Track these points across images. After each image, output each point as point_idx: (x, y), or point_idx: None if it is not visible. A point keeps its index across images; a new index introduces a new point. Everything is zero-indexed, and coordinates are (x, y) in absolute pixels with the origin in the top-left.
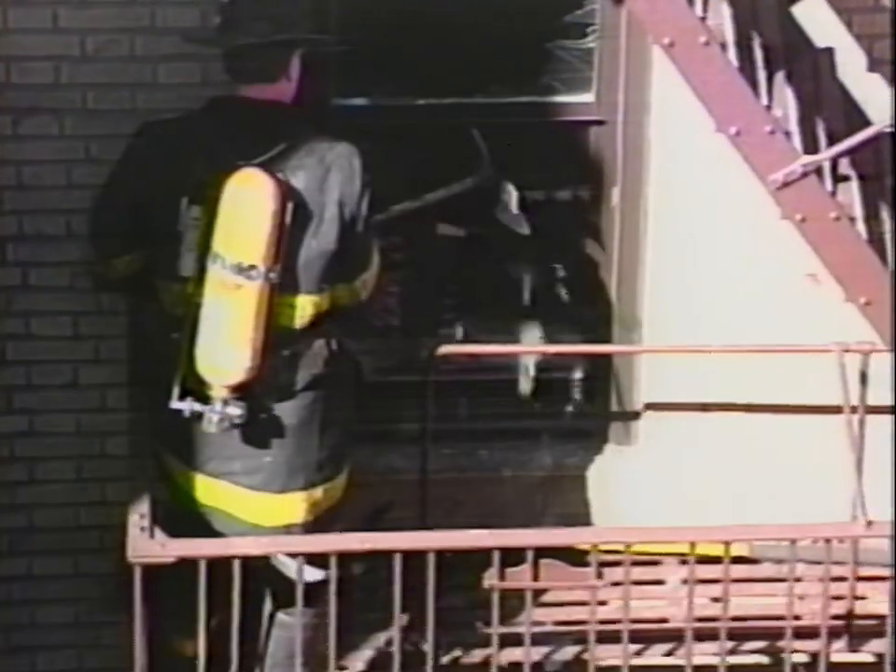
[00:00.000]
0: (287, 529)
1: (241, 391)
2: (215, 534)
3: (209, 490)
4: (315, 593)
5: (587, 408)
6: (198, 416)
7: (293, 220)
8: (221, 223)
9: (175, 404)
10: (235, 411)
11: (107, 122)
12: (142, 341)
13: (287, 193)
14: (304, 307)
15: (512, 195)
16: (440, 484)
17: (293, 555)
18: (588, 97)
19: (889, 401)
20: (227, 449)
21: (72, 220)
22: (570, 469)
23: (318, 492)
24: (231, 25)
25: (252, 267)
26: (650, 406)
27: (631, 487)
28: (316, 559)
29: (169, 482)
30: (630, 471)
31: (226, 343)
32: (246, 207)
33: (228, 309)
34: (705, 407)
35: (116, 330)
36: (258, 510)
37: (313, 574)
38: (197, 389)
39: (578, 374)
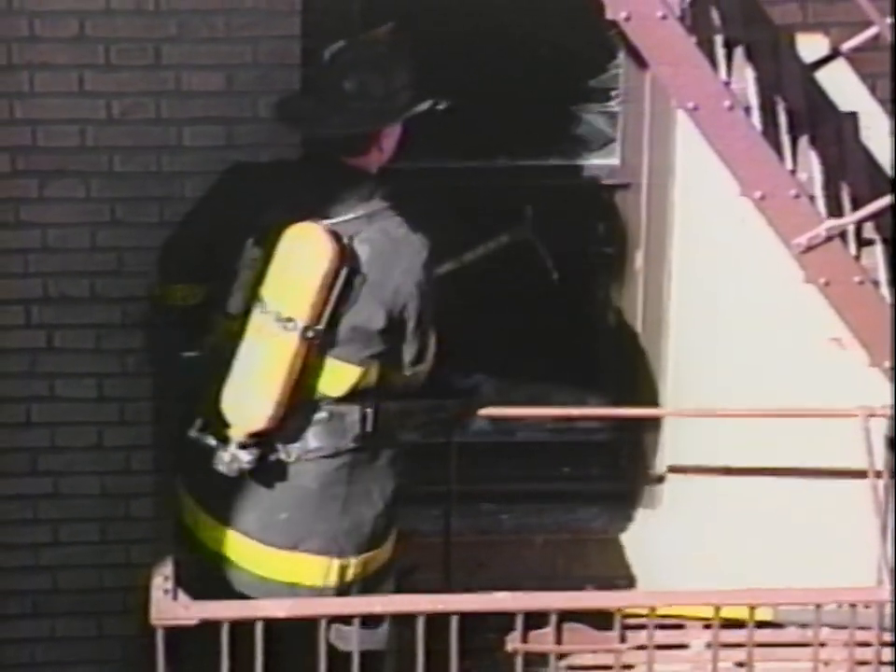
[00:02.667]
0: (320, 592)
1: (258, 438)
2: (235, 592)
3: (221, 538)
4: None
5: (611, 470)
6: (211, 453)
7: (344, 288)
8: (273, 269)
9: (193, 433)
10: (245, 456)
11: (132, 185)
12: (179, 377)
13: (345, 259)
14: (344, 375)
15: (545, 251)
16: (463, 546)
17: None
18: (613, 160)
19: None
20: (244, 499)
21: (96, 283)
22: (594, 532)
23: (349, 561)
24: (322, 98)
25: (290, 320)
26: (673, 469)
27: (655, 550)
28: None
29: (186, 526)
30: (654, 534)
31: (253, 387)
32: (300, 260)
33: (261, 355)
34: (729, 470)
35: (141, 392)
36: (267, 563)
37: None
38: (218, 427)
39: (601, 437)
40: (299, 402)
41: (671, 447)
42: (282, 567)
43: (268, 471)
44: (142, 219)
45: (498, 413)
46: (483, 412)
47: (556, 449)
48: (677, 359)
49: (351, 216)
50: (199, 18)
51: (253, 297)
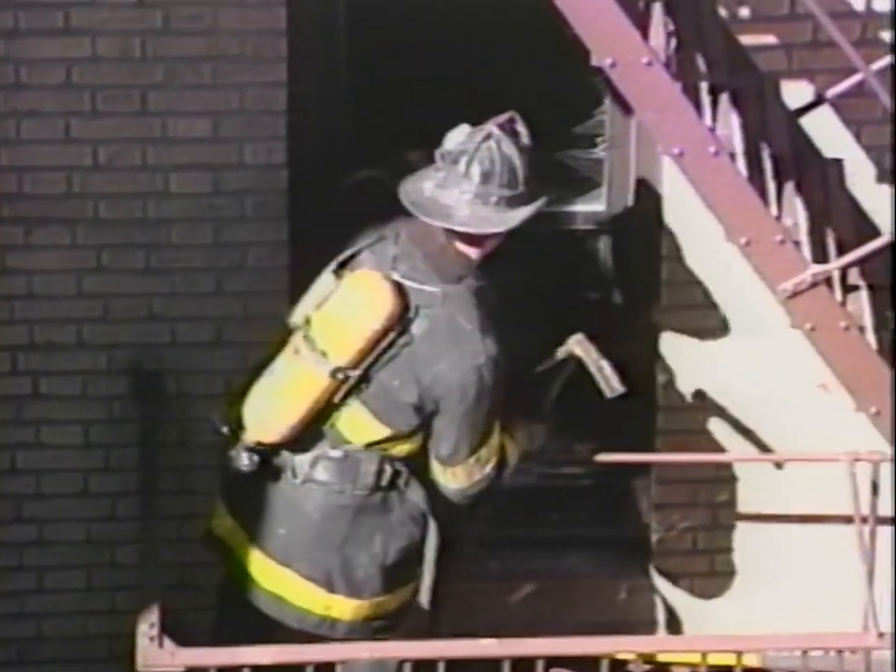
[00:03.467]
0: (303, 616)
1: (267, 448)
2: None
3: (235, 535)
4: None
5: (599, 515)
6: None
7: (388, 347)
8: (331, 303)
9: (213, 416)
10: (245, 460)
11: (118, 232)
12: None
13: (401, 322)
14: (367, 427)
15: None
16: (450, 591)
17: None
18: (598, 206)
19: None
20: (255, 504)
21: (82, 329)
22: (582, 577)
23: (336, 598)
24: (453, 190)
25: (324, 355)
26: (661, 509)
27: (644, 595)
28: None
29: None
30: (643, 579)
31: (274, 403)
32: (357, 307)
33: (290, 377)
34: (715, 515)
35: (126, 439)
36: (261, 571)
37: None
38: (236, 422)
39: (589, 481)
40: (317, 430)
41: (658, 492)
42: (273, 578)
43: (276, 485)
44: (128, 266)
45: None
46: None
47: (543, 493)
48: (666, 401)
49: (429, 287)
50: (185, 65)
51: (307, 319)
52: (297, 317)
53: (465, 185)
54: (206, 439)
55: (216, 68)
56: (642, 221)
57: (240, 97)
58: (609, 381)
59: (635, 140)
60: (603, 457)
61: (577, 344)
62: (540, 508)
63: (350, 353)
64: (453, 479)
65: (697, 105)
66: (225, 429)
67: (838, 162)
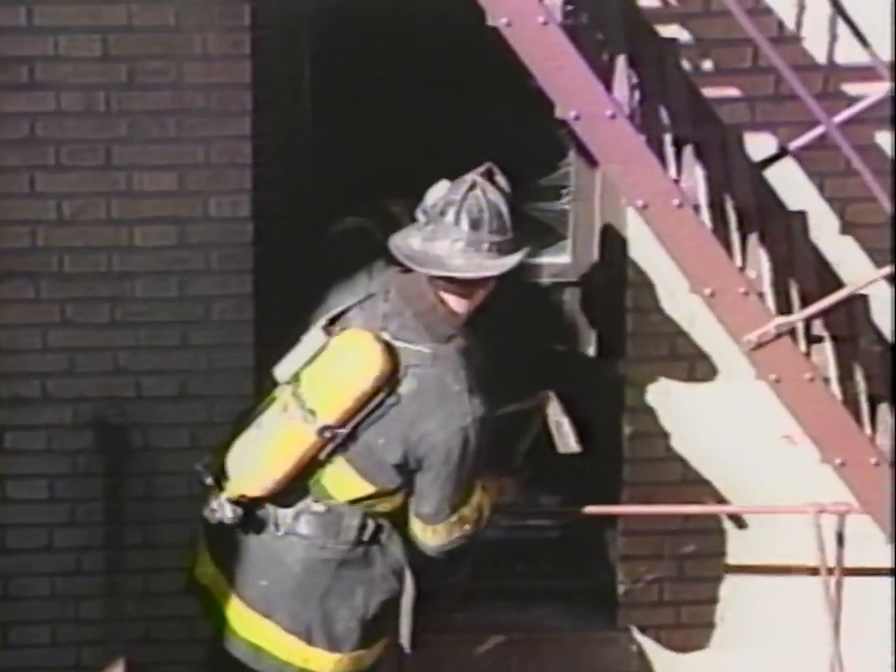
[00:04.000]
0: (282, 666)
1: (250, 500)
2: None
3: (218, 583)
4: None
5: (565, 567)
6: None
7: (377, 406)
8: (320, 361)
9: (199, 466)
10: (230, 512)
11: (83, 286)
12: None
13: (390, 382)
14: (351, 484)
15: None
16: (418, 644)
17: None
18: (564, 258)
19: (866, 563)
20: (238, 554)
21: (47, 383)
22: (549, 630)
23: (316, 652)
24: (443, 242)
25: (312, 413)
26: (627, 561)
27: (610, 648)
28: None
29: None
30: (610, 632)
31: (259, 457)
32: (347, 367)
33: (277, 432)
34: (682, 567)
35: (92, 493)
36: (241, 621)
37: None
38: (220, 473)
39: (555, 533)
40: (301, 485)
41: (624, 545)
42: (253, 629)
43: (259, 536)
44: (93, 319)
45: None
46: None
47: (510, 545)
48: (632, 450)
49: (419, 347)
50: (150, 118)
51: (296, 375)
52: (285, 373)
53: (455, 234)
54: (172, 492)
55: (180, 122)
56: (607, 273)
57: (205, 150)
58: (566, 438)
59: (599, 192)
60: (569, 510)
61: (542, 398)
62: (507, 560)
63: (339, 412)
64: (433, 537)
65: (661, 158)
66: (210, 480)
67: (801, 214)
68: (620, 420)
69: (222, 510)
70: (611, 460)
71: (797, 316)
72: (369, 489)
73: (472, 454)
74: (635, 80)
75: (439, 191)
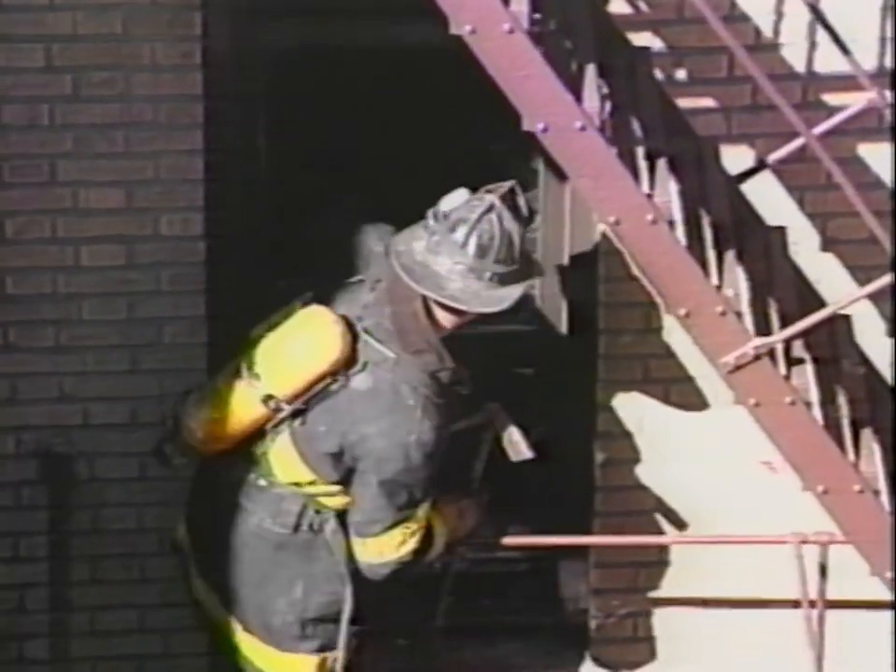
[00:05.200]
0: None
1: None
2: None
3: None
4: None
5: (534, 602)
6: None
7: (325, 394)
8: (279, 329)
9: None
10: (175, 458)
11: (27, 308)
12: None
13: (343, 369)
14: (291, 466)
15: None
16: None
17: None
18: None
19: (849, 595)
20: (206, 522)
21: None
22: (516, 667)
23: (252, 639)
24: (444, 260)
25: (257, 377)
26: (599, 594)
27: None
28: None
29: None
30: (582, 668)
31: (210, 411)
32: (305, 345)
33: (227, 389)
34: (656, 602)
35: (36, 526)
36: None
37: None
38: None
39: (523, 566)
40: (248, 452)
41: (597, 577)
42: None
43: (220, 503)
44: (37, 343)
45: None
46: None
47: (475, 579)
48: (606, 480)
49: (385, 349)
50: (96, 132)
51: (256, 338)
52: (253, 334)
53: (459, 256)
54: (121, 525)
55: (129, 135)
56: (578, 297)
57: (155, 165)
58: (517, 446)
59: (569, 215)
60: (539, 540)
61: (488, 411)
62: (472, 594)
63: (284, 387)
64: (363, 551)
65: (634, 172)
66: (171, 425)
67: (781, 230)
68: (591, 447)
69: (171, 455)
70: (582, 489)
71: (777, 337)
72: (308, 476)
73: (409, 475)
74: (605, 91)
75: (455, 201)
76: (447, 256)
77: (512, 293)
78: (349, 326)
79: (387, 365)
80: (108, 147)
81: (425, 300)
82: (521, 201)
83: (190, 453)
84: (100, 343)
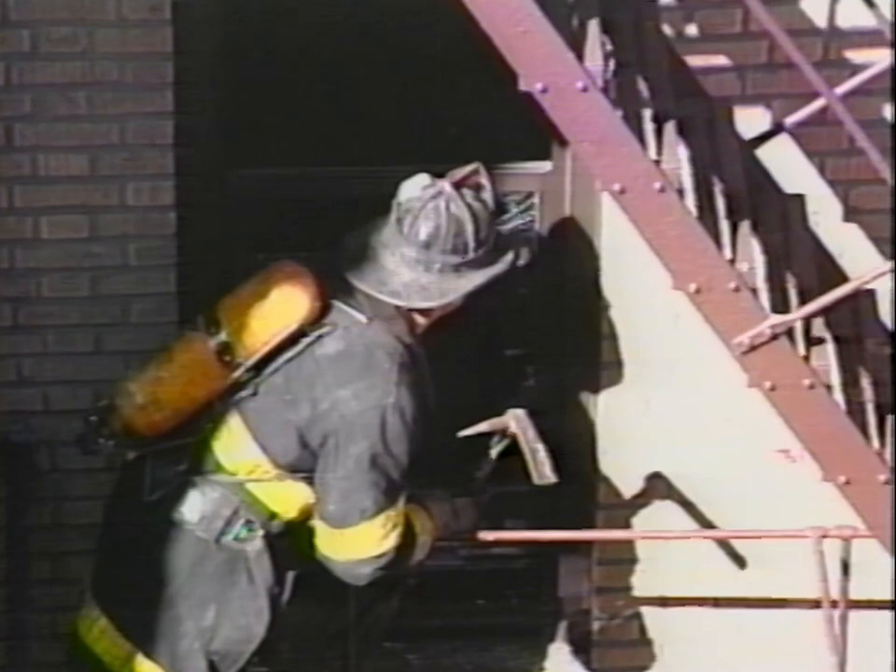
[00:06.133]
0: None
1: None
2: None
3: None
4: None
5: (532, 602)
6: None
7: (290, 358)
8: (246, 284)
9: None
10: (101, 446)
11: None
12: None
13: (311, 327)
14: (241, 445)
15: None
16: None
17: None
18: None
19: (874, 594)
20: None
21: None
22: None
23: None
24: (394, 250)
25: (217, 325)
26: (603, 594)
27: None
28: None
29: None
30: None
31: (152, 372)
32: (269, 297)
33: (176, 345)
34: (663, 601)
35: None
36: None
37: None
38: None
39: (520, 563)
40: (176, 447)
41: (600, 574)
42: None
43: (135, 494)
44: None
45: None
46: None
47: (469, 578)
48: (607, 468)
49: (358, 314)
50: (57, 93)
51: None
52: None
53: (406, 248)
54: (85, 520)
55: (92, 97)
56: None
57: (120, 129)
58: (541, 467)
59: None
60: (537, 535)
61: (514, 420)
62: (466, 593)
63: (247, 337)
64: (340, 545)
65: (640, 136)
66: (104, 403)
67: (799, 199)
68: (593, 433)
69: (98, 444)
70: (586, 481)
71: (795, 315)
72: (255, 458)
73: (388, 446)
74: (609, 48)
75: (410, 188)
76: (396, 247)
77: (463, 284)
78: (322, 289)
79: (359, 328)
80: (70, 110)
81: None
82: (484, 182)
83: (121, 436)
84: (61, 322)
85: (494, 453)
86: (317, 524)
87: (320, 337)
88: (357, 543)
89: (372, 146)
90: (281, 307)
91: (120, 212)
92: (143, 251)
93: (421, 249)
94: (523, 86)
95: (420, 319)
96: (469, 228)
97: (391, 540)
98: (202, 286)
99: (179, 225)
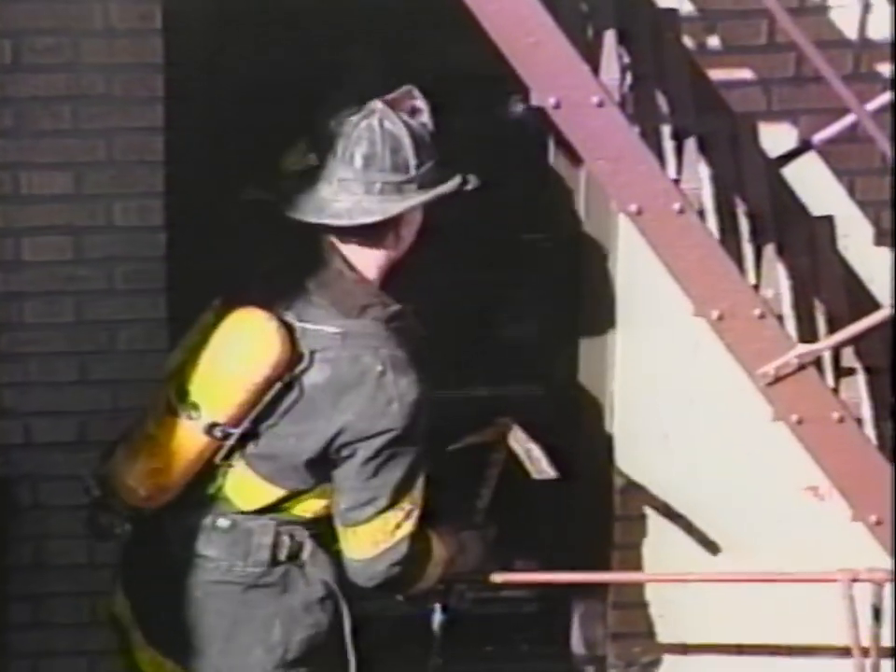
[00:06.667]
0: None
1: (142, 513)
2: None
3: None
4: None
5: (544, 648)
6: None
7: (278, 398)
8: (207, 349)
9: (87, 478)
10: (115, 528)
11: None
12: None
13: (291, 368)
14: (257, 491)
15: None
16: None
17: None
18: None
19: None
20: (148, 588)
21: None
22: None
23: None
24: (326, 176)
25: (195, 407)
26: (619, 640)
27: None
28: None
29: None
30: None
31: (146, 461)
32: (238, 354)
33: (161, 432)
34: (684, 648)
35: None
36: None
37: None
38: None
39: (532, 607)
40: (200, 496)
41: (615, 618)
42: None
43: (162, 560)
44: None
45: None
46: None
47: (477, 623)
48: (624, 508)
49: (326, 328)
50: (40, 106)
51: (180, 366)
52: (168, 365)
53: (343, 171)
54: (68, 560)
55: (77, 111)
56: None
57: (107, 145)
58: (538, 463)
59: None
60: (549, 576)
61: (500, 424)
62: (474, 638)
63: (228, 407)
64: (355, 544)
65: (658, 153)
66: (97, 492)
67: (828, 220)
68: (608, 470)
69: (109, 525)
70: (600, 519)
71: (823, 344)
72: (278, 493)
73: (402, 445)
74: (626, 60)
75: (337, 114)
76: (332, 174)
77: (408, 201)
78: (280, 319)
79: (335, 343)
80: (54, 124)
81: (340, 254)
82: (420, 104)
83: (133, 514)
84: (44, 349)
85: (491, 476)
86: (336, 523)
87: (304, 370)
88: (372, 538)
89: None
90: (251, 361)
91: (107, 233)
92: (131, 274)
93: (358, 170)
94: (535, 101)
95: (371, 272)
96: (408, 143)
97: (404, 529)
98: (193, 312)
99: (169, 247)
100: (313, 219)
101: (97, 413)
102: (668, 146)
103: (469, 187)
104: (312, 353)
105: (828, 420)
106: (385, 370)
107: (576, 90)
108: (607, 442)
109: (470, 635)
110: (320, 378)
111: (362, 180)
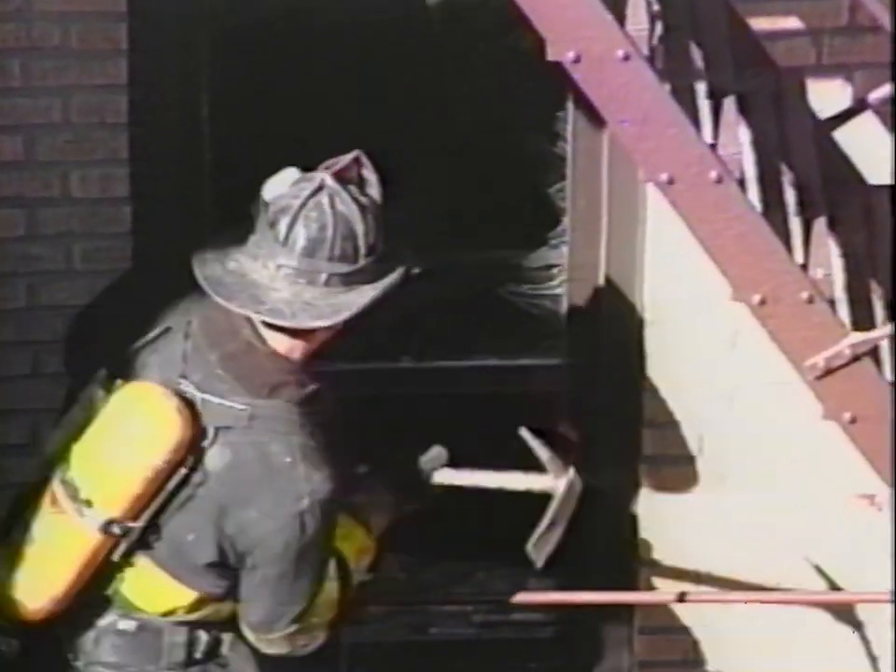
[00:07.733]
0: None
1: (32, 627)
2: None
3: None
4: None
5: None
6: None
7: (179, 486)
8: (92, 428)
9: None
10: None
11: None
12: None
13: (189, 452)
14: (164, 593)
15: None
16: None
17: None
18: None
19: None
20: None
21: None
22: None
23: None
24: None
25: (88, 504)
26: (646, 668)
27: None
28: None
29: None
30: None
31: (32, 570)
32: (133, 436)
33: (48, 534)
34: None
35: None
36: None
37: None
38: None
39: (547, 632)
40: (97, 598)
41: (642, 643)
42: None
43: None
44: None
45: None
46: None
47: (487, 648)
48: (648, 526)
49: (230, 403)
50: None
51: (64, 451)
52: (50, 446)
53: (284, 257)
54: None
55: (27, 66)
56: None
57: (63, 105)
58: (544, 543)
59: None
60: (568, 596)
61: (567, 484)
62: (483, 665)
63: (126, 500)
64: (269, 647)
65: (693, 115)
66: (8, 647)
67: (886, 190)
68: (636, 474)
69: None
70: (623, 534)
71: (881, 332)
72: (189, 596)
73: (313, 545)
74: (656, 8)
75: (279, 186)
76: (269, 258)
77: (356, 299)
78: (178, 393)
79: (240, 423)
80: (2, 81)
81: (253, 325)
82: (368, 175)
83: (21, 627)
84: None
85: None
86: (242, 627)
87: (200, 460)
88: (287, 643)
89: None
90: (150, 449)
91: (64, 205)
92: (91, 252)
93: (302, 258)
94: (551, 56)
95: (296, 352)
96: (360, 229)
97: (321, 631)
98: (160, 293)
99: (134, 221)
100: (247, 311)
101: (51, 412)
102: (704, 106)
103: (414, 272)
104: (216, 431)
105: (885, 419)
106: (296, 462)
107: (598, 41)
108: (635, 443)
109: (478, 663)
110: (221, 462)
111: (305, 269)
